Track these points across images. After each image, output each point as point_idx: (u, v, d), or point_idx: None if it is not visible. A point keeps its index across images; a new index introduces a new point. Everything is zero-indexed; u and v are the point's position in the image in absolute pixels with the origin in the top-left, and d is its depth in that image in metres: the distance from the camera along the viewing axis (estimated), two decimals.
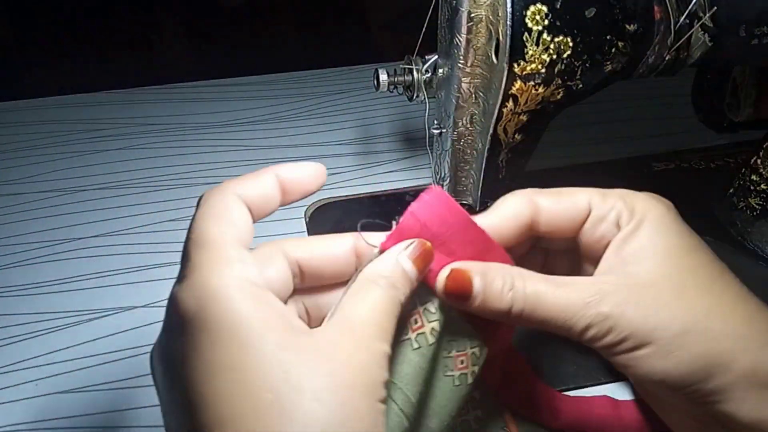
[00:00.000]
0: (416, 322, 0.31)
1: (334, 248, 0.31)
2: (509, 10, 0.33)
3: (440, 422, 0.31)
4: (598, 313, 0.30)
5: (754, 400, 0.30)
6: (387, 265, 0.29)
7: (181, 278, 0.26)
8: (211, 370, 0.24)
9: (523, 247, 0.35)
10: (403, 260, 0.29)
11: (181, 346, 0.25)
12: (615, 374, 0.42)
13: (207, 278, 0.25)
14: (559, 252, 0.36)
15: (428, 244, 0.30)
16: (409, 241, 0.30)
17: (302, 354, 0.24)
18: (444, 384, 0.31)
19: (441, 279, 0.30)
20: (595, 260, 0.33)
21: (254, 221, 0.29)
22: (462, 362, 0.32)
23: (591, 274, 0.33)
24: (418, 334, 0.30)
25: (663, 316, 0.30)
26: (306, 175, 0.31)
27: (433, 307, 0.31)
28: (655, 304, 0.30)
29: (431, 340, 0.31)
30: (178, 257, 0.27)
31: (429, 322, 0.31)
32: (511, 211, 0.32)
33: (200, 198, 0.28)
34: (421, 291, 0.31)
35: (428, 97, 0.44)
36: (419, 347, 0.30)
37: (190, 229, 0.27)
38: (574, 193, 0.33)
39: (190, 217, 0.28)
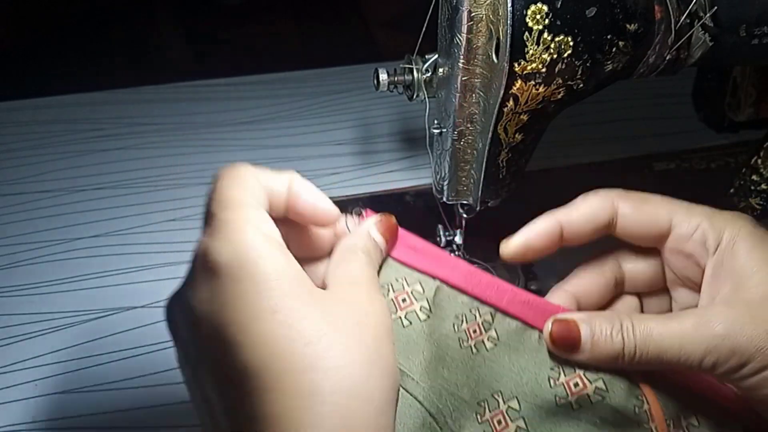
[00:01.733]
0: (404, 301, 0.32)
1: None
2: (510, 9, 0.33)
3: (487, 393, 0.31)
4: (713, 335, 0.28)
5: None
6: (361, 237, 0.31)
7: (210, 233, 0.27)
8: (255, 313, 0.25)
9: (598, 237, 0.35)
10: (374, 233, 0.32)
11: (217, 294, 0.26)
12: None
13: (240, 233, 0.26)
14: (644, 282, 0.36)
15: (393, 218, 0.33)
16: (378, 216, 0.33)
17: (330, 307, 0.27)
18: (465, 356, 0.32)
19: (546, 330, 0.31)
20: (684, 279, 0.33)
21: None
22: (475, 331, 0.32)
23: (685, 297, 0.33)
24: (408, 312, 0.32)
25: None
26: (310, 205, 0.31)
27: (419, 287, 0.33)
28: None
29: (422, 317, 0.32)
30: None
31: (417, 300, 0.32)
32: (590, 211, 0.33)
33: (218, 173, 0.30)
34: (406, 272, 0.33)
35: (428, 97, 0.44)
36: (410, 324, 0.32)
37: (214, 193, 0.29)
38: (657, 204, 0.33)
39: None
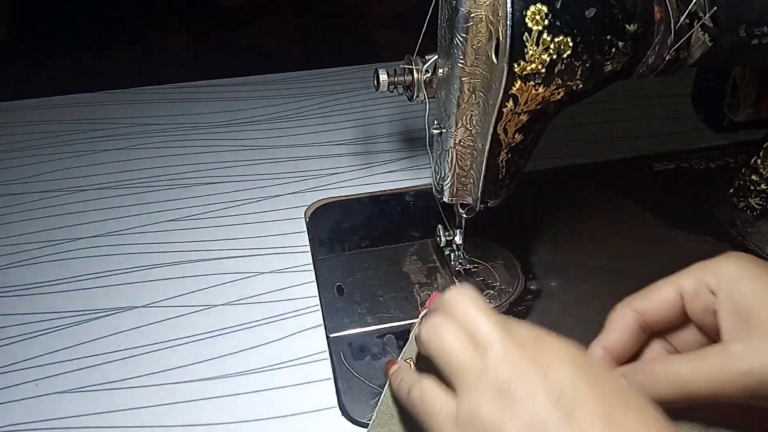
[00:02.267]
0: None
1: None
2: (509, 10, 0.33)
3: None
4: (740, 373, 0.31)
5: None
6: None
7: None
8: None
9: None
10: None
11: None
12: None
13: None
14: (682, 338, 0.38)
15: None
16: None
17: None
18: None
19: None
20: (714, 330, 0.35)
21: None
22: None
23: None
24: None
25: None
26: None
27: None
28: None
29: None
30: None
31: None
32: (622, 329, 0.37)
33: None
34: None
35: (428, 97, 0.44)
36: None
37: (448, 294, 0.35)
38: (659, 286, 0.36)
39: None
